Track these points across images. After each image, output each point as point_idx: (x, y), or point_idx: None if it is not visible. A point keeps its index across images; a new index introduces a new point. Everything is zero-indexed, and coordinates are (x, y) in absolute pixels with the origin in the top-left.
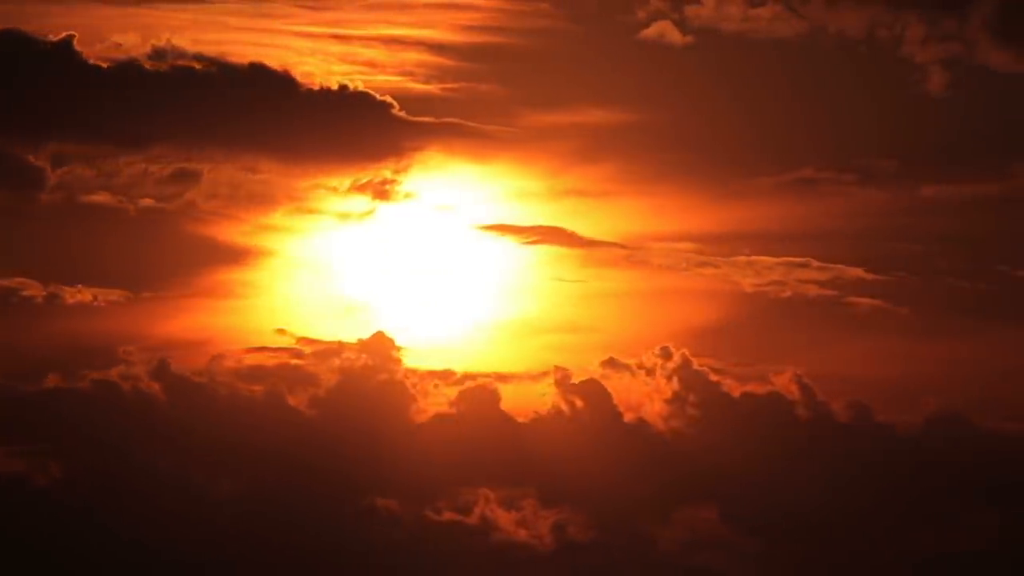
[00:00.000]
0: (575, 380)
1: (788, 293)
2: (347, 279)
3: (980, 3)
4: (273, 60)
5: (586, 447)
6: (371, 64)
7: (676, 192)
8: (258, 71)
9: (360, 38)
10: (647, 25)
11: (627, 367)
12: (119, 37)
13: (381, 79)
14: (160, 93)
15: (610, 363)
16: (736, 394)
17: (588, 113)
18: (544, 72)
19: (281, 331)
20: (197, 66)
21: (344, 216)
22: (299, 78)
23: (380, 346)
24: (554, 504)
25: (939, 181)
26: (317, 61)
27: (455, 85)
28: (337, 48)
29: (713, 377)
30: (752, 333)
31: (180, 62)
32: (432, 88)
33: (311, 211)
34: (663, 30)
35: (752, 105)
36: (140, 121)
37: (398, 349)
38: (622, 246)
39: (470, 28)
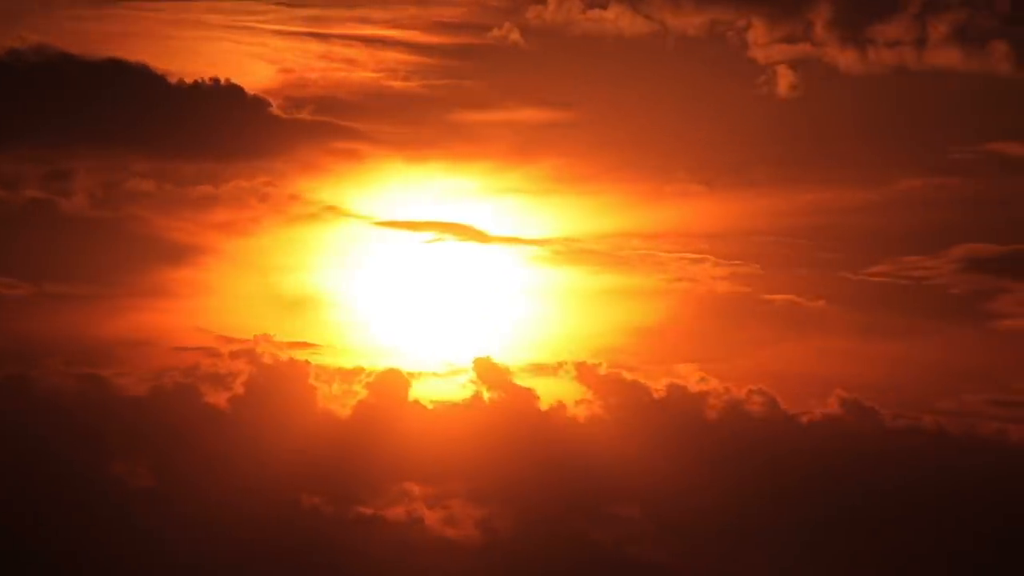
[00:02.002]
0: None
1: (702, 290)
2: (271, 277)
3: (820, 4)
4: (258, 59)
5: (498, 434)
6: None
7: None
8: (115, 66)
9: (340, 36)
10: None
11: (542, 366)
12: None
13: (361, 75)
14: (16, 92)
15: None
16: (651, 392)
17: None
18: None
19: (200, 329)
20: (52, 63)
21: (251, 216)
22: (163, 74)
23: (266, 345)
24: (480, 499)
25: (813, 189)
26: (296, 58)
27: (438, 82)
28: (317, 47)
29: (627, 376)
30: (671, 330)
31: (32, 59)
32: (412, 85)
33: (202, 208)
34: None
35: (621, 108)
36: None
37: (280, 346)
38: (530, 242)
39: (450, 26)
